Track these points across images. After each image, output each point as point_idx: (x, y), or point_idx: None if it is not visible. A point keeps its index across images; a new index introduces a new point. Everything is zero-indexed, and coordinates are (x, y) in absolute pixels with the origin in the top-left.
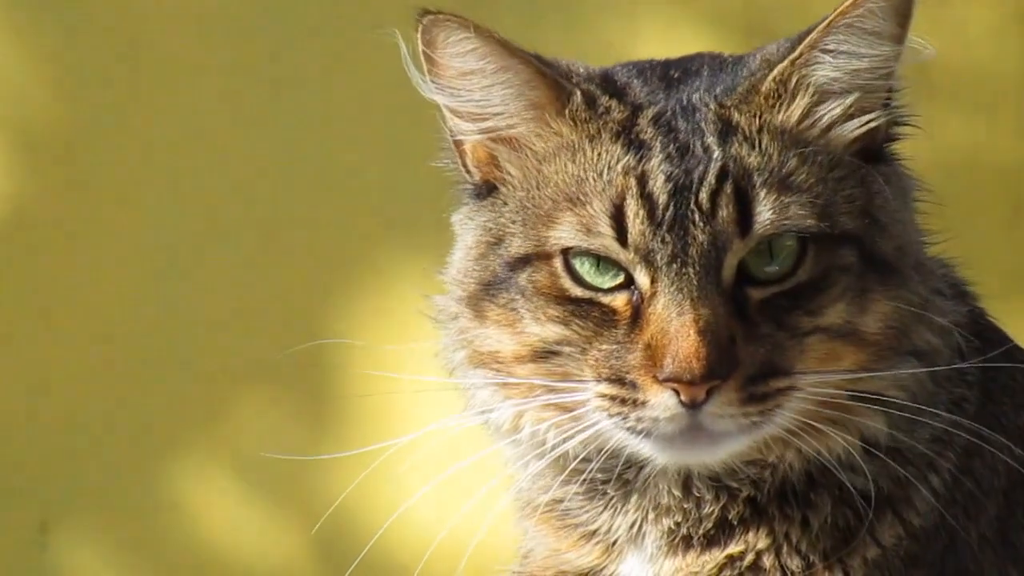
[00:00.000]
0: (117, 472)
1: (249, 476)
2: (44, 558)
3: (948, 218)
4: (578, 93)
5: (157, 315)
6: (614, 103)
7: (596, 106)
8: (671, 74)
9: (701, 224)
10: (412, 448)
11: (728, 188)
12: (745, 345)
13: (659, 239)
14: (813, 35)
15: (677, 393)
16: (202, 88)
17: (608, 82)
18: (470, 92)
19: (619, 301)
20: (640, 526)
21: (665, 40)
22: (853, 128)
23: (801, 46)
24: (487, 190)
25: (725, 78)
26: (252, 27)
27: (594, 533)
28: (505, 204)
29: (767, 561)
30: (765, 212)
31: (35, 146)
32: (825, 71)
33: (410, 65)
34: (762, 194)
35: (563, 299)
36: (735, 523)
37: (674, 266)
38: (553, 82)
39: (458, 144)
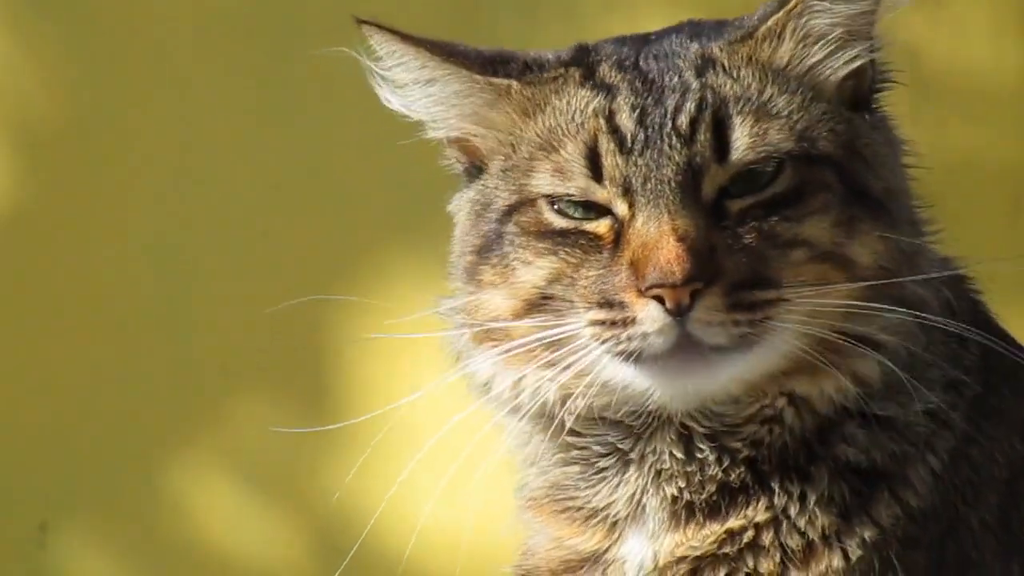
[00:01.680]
0: (117, 472)
1: (248, 476)
2: (44, 557)
3: (948, 217)
4: (514, 84)
5: (157, 315)
6: (563, 71)
7: (543, 78)
8: (650, 36)
9: (678, 146)
10: (415, 434)
11: (706, 116)
12: (728, 254)
13: (632, 163)
14: None
15: (662, 302)
16: (202, 88)
17: (576, 52)
18: (419, 100)
19: (602, 227)
20: (640, 498)
21: None
22: (840, 65)
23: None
24: (477, 172)
25: (708, 30)
26: (252, 27)
27: (595, 514)
28: (490, 176)
29: (766, 538)
30: (743, 138)
31: (35, 146)
32: (818, 17)
33: (371, 75)
34: (739, 120)
35: (550, 232)
36: (736, 488)
37: (648, 185)
38: (488, 84)
39: (438, 140)
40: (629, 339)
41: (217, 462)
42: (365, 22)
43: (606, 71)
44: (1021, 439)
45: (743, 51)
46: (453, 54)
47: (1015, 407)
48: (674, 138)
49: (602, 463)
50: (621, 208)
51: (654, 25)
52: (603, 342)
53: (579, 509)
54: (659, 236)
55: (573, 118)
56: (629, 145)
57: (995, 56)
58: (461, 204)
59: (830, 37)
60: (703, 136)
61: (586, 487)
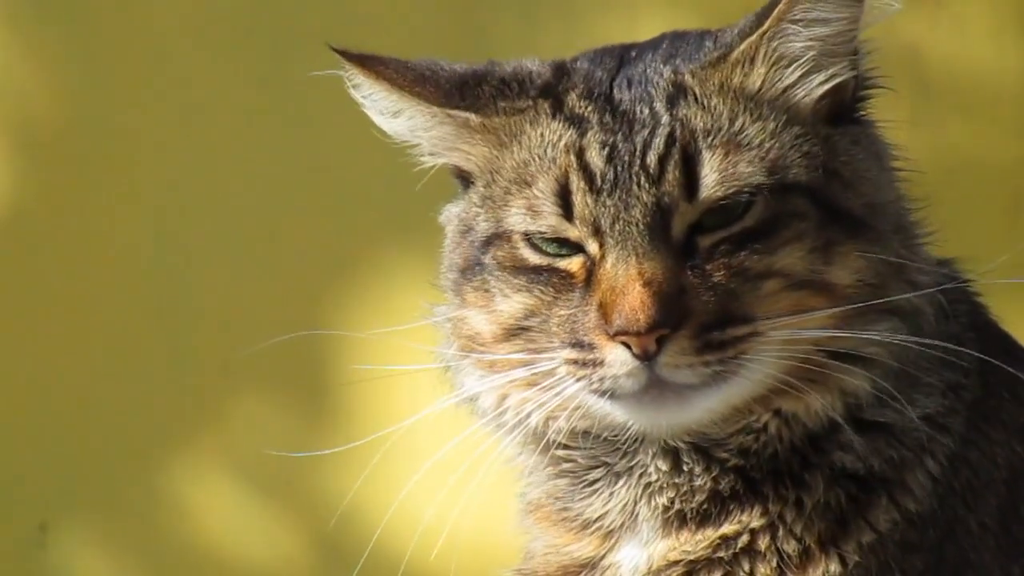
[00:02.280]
0: (117, 472)
1: (248, 475)
2: (44, 557)
3: (947, 217)
4: (472, 117)
5: (157, 315)
6: (529, 103)
7: (513, 105)
8: (629, 54)
9: (647, 186)
10: (411, 438)
11: (675, 152)
12: (697, 295)
13: (601, 205)
14: (780, 7)
15: (629, 347)
16: (202, 87)
17: (552, 74)
18: (396, 127)
19: (575, 265)
20: (632, 508)
21: None
22: (816, 86)
23: (769, 19)
24: (467, 184)
25: (685, 49)
26: (252, 27)
27: (589, 523)
28: (473, 196)
29: (762, 543)
30: (711, 175)
31: (35, 146)
32: (791, 42)
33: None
34: (708, 156)
35: (524, 269)
36: (727, 496)
37: (617, 226)
38: (447, 116)
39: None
40: (601, 379)
41: (217, 462)
42: (337, 51)
43: (575, 102)
44: (1020, 442)
45: (716, 77)
46: (417, 83)
47: (1014, 410)
48: (643, 177)
49: (592, 476)
50: (592, 247)
51: (653, 25)
52: (578, 379)
53: (574, 519)
54: (626, 281)
55: (545, 152)
56: (599, 184)
57: (995, 56)
58: (449, 217)
59: (804, 59)
60: (672, 175)
61: (579, 499)
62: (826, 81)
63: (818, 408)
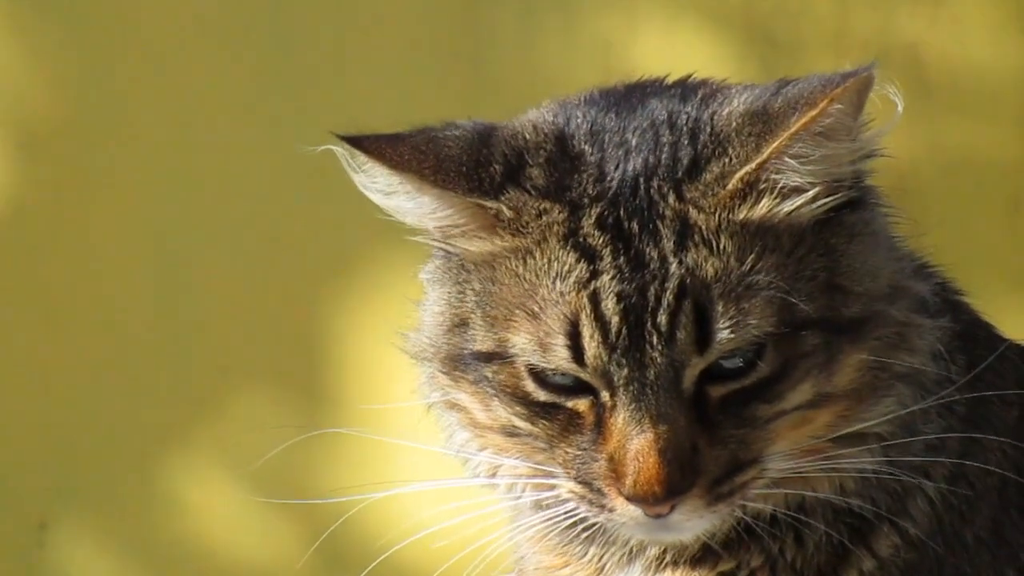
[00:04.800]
0: (116, 471)
1: (248, 475)
2: (43, 557)
3: (947, 217)
4: (504, 208)
5: (156, 314)
6: (548, 205)
7: (528, 213)
8: (633, 109)
9: (659, 347)
10: (416, 432)
11: (687, 307)
12: (709, 450)
13: (615, 363)
14: (779, 142)
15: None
16: (202, 87)
17: (558, 157)
18: (399, 210)
19: (583, 405)
20: (625, 556)
21: (665, 39)
22: (818, 208)
23: (767, 151)
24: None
25: (683, 149)
26: (252, 27)
27: (584, 555)
28: (468, 283)
29: None
30: (724, 330)
31: (35, 146)
32: (791, 176)
33: (349, 167)
34: (720, 309)
35: (528, 401)
36: (719, 548)
37: (632, 388)
38: (472, 204)
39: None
40: (609, 520)
41: (217, 462)
42: (343, 138)
43: (590, 230)
44: (1011, 445)
45: (718, 211)
46: (430, 172)
47: (1002, 412)
48: (655, 337)
49: (584, 533)
50: (603, 393)
51: (653, 24)
52: (583, 507)
53: (565, 549)
54: (640, 446)
55: (555, 284)
56: (612, 340)
57: (995, 56)
58: (434, 283)
59: (807, 190)
60: (683, 333)
61: (568, 544)
62: (827, 204)
63: (824, 490)
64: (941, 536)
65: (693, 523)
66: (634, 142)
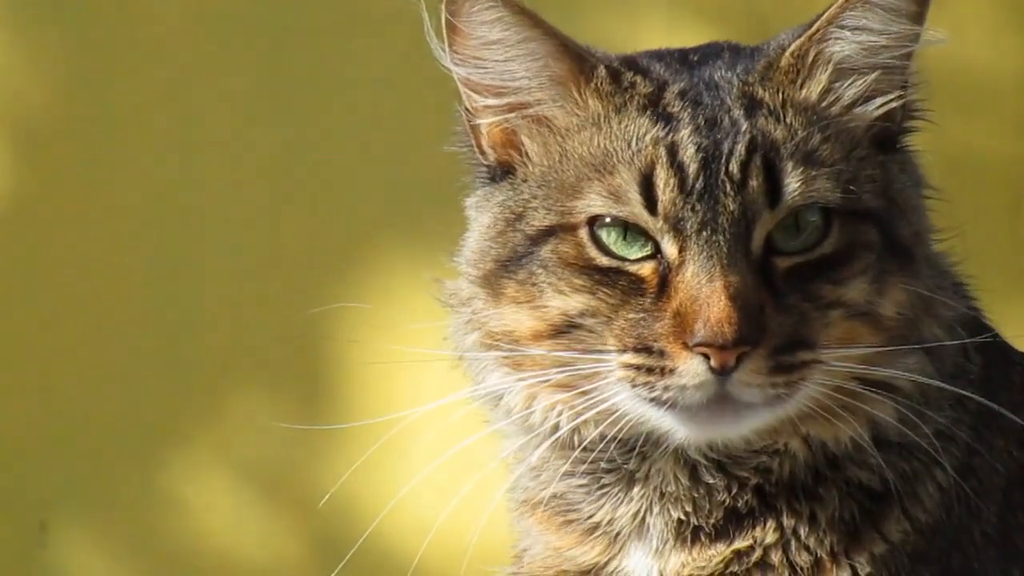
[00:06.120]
0: (116, 471)
1: (248, 474)
2: (43, 557)
3: (948, 217)
4: (602, 67)
5: (156, 314)
6: (639, 78)
7: (621, 80)
8: (691, 58)
9: (732, 194)
10: (415, 431)
11: (757, 160)
12: (774, 314)
13: (689, 207)
14: (831, 10)
15: (707, 359)
16: (202, 86)
17: (631, 62)
18: (493, 63)
19: (646, 270)
20: (644, 517)
21: (666, 38)
22: (873, 108)
23: (819, 22)
24: (502, 172)
25: (745, 60)
26: (252, 26)
27: (596, 527)
28: (524, 181)
29: (775, 557)
30: (793, 183)
31: (34, 144)
32: (843, 46)
33: (432, 36)
34: (789, 166)
35: (589, 268)
36: (744, 513)
37: (704, 234)
38: (577, 56)
39: (474, 127)
40: (665, 388)
41: (217, 461)
42: None
43: (671, 99)
44: (1019, 447)
45: (779, 87)
46: (546, 23)
47: (1011, 417)
48: (728, 185)
49: (607, 479)
50: (670, 249)
51: (654, 22)
52: (634, 386)
53: (580, 521)
54: (711, 292)
55: (630, 144)
56: (690, 185)
57: (994, 55)
58: (483, 205)
59: (858, 71)
60: (755, 182)
61: (590, 501)
62: (884, 104)
63: (846, 435)
64: (950, 527)
65: (753, 394)
66: (695, 59)
